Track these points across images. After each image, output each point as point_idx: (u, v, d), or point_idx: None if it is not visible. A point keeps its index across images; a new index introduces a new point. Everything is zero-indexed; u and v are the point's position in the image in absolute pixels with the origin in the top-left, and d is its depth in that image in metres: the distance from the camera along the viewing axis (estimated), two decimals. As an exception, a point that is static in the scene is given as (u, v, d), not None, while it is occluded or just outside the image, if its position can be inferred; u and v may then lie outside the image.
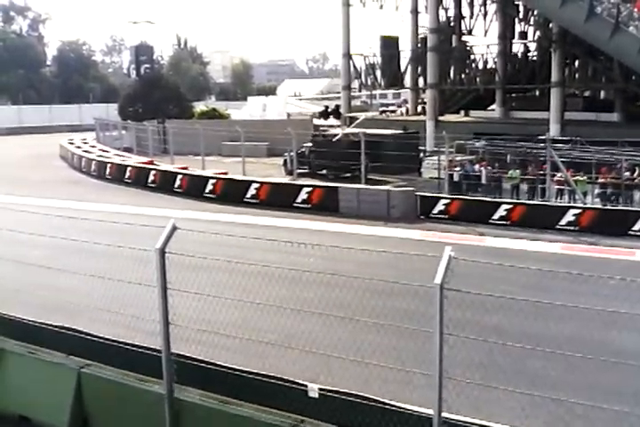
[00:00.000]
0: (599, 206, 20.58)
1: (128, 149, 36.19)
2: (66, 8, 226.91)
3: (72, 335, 7.32)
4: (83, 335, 7.23)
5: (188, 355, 6.56)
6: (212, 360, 6.52)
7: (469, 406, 6.23)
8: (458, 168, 24.73)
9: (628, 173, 22.33)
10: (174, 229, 6.30)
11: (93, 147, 37.15)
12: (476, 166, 25.12)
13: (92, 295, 8.41)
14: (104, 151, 34.75)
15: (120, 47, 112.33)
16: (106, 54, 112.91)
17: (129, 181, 28.09)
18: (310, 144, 29.77)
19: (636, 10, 32.64)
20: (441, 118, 41.91)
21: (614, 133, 27.19)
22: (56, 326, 7.48)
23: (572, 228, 18.82)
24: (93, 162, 31.26)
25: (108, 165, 29.96)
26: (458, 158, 26.08)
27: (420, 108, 48.43)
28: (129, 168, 28.62)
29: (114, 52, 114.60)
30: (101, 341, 7.12)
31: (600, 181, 22.28)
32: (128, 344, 6.92)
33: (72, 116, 60.50)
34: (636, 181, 21.95)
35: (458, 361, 5.87)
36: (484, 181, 24.27)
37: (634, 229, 18.18)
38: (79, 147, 36.88)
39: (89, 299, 8.71)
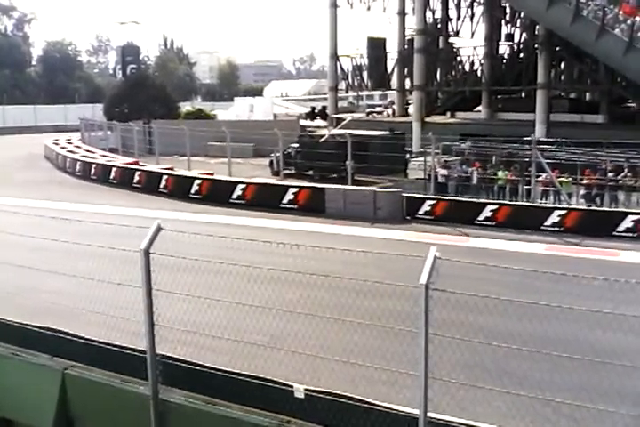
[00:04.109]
0: (584, 207, 20.69)
1: (113, 150, 36.02)
2: (51, 8, 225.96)
3: (56, 337, 7.26)
4: (67, 336, 7.18)
5: (173, 356, 6.53)
6: (198, 361, 6.49)
7: (455, 406, 6.25)
8: (443, 170, 24.73)
9: (612, 174, 22.47)
10: (159, 229, 6.28)
11: (78, 147, 36.96)
12: (464, 167, 25.23)
13: (78, 297, 8.35)
14: (89, 152, 34.58)
15: (106, 47, 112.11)
16: (92, 55, 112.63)
17: (114, 181, 27.96)
18: (297, 145, 29.76)
19: (621, 12, 32.78)
20: (427, 120, 42.04)
21: (599, 135, 27.35)
22: (40, 328, 7.42)
23: (556, 228, 18.92)
24: (78, 162, 31.09)
25: (93, 166, 29.80)
26: (443, 159, 26.14)
27: (406, 110, 48.56)
28: (114, 169, 28.49)
29: (100, 52, 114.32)
30: (86, 342, 7.07)
31: (585, 182, 22.39)
32: (113, 345, 6.88)
33: (57, 116, 60.14)
34: (620, 182, 22.07)
35: (444, 361, 5.88)
36: (474, 182, 24.36)
37: (618, 229, 18.29)
38: (64, 147, 36.68)
39: (75, 301, 8.65)
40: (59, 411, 6.85)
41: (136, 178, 26.93)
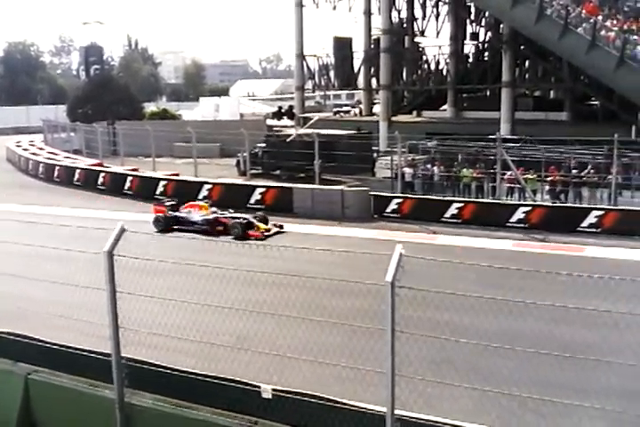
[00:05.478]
0: (548, 204, 20.93)
1: (77, 152, 35.54)
2: (13, 8, 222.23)
3: (19, 341, 7.13)
4: (30, 341, 7.05)
5: (139, 359, 6.44)
6: (165, 364, 6.42)
7: (423, 404, 6.27)
8: (409, 169, 24.84)
9: (575, 171, 22.77)
10: (122, 231, 6.20)
11: (41, 149, 36.35)
12: (429, 166, 25.40)
13: (43, 300, 8.22)
14: (52, 153, 34.05)
15: (69, 48, 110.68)
16: (54, 55, 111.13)
17: (78, 183, 27.61)
18: (263, 145, 29.69)
19: (584, 11, 33.25)
20: (394, 119, 42.23)
21: (563, 132, 27.72)
22: (2, 332, 7.28)
23: (522, 225, 19.11)
24: (41, 164, 30.62)
25: (57, 168, 29.38)
26: (409, 158, 26.25)
27: (372, 109, 48.74)
28: (78, 170, 28.13)
29: (63, 53, 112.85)
30: (50, 346, 6.95)
31: (549, 179, 22.65)
32: (77, 349, 6.76)
33: (19, 118, 59.09)
34: (584, 178, 22.37)
35: (411, 359, 5.89)
36: (436, 179, 24.55)
37: (582, 225, 18.53)
38: (26, 149, 36.05)
39: (40, 304, 8.51)
40: (21, 417, 6.72)
41: (100, 179, 26.62)
